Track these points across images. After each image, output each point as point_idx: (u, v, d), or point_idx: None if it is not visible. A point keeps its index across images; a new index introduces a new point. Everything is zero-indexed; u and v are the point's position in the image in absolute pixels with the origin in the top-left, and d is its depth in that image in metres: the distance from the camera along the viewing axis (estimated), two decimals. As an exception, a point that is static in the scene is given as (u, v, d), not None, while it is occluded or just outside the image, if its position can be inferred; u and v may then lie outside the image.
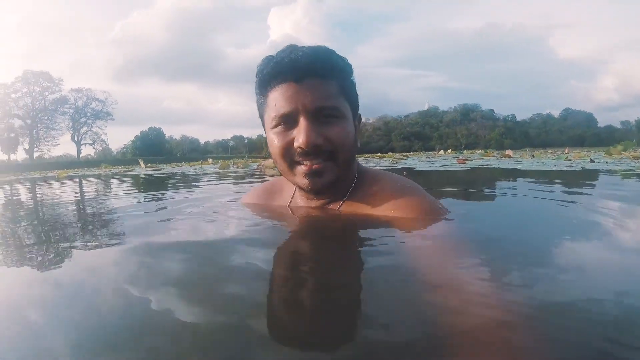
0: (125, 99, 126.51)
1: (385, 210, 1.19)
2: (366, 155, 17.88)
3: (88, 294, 0.74)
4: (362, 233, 1.10)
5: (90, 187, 4.28)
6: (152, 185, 4.22)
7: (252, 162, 13.32)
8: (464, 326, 0.55)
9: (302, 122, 1.12)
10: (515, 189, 2.61)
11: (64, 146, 73.21)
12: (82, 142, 68.74)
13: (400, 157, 13.31)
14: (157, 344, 0.53)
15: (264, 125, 1.26)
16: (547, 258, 0.89)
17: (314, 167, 1.14)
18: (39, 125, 63.91)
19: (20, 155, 61.67)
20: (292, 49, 1.16)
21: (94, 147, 71.70)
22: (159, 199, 2.40)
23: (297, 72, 1.11)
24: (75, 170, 13.29)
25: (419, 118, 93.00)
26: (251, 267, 0.84)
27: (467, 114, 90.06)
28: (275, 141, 1.17)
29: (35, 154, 63.52)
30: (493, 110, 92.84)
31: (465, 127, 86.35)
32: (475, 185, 3.10)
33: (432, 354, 0.49)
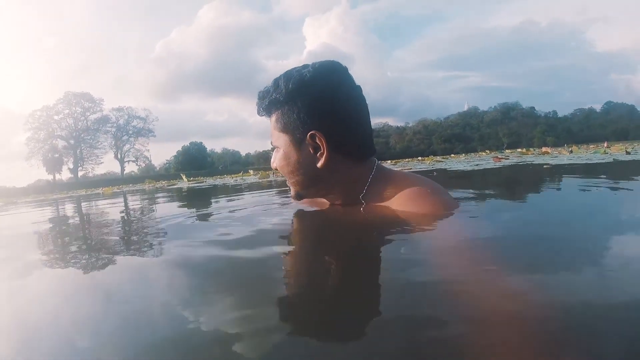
0: (167, 115, 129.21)
1: (398, 206, 1.21)
2: (406, 159, 17.68)
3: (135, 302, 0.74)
4: (377, 228, 1.14)
5: (136, 202, 4.27)
6: (188, 196, 4.25)
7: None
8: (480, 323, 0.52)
9: None
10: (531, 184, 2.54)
11: (107, 164, 75.08)
12: (125, 160, 70.81)
13: (440, 159, 12.99)
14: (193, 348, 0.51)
15: None
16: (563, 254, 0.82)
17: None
18: (82, 144, 66.47)
19: (65, 174, 64.06)
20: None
21: (137, 164, 73.56)
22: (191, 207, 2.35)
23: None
24: (120, 186, 13.59)
25: (459, 119, 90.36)
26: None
27: (507, 112, 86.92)
28: None
29: (80, 173, 65.97)
30: (534, 107, 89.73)
31: (507, 126, 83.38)
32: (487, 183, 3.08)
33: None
